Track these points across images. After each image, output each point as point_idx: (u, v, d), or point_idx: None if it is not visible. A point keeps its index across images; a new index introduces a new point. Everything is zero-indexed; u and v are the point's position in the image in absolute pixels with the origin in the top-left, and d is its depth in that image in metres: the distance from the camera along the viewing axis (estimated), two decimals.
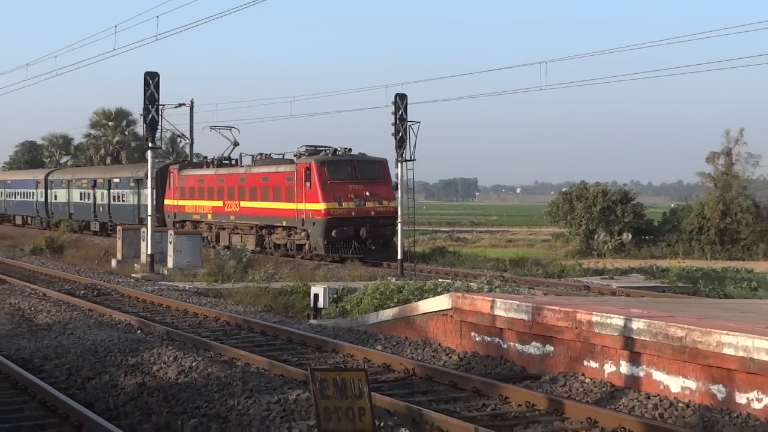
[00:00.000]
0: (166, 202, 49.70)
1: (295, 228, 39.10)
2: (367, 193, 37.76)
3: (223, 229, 44.75)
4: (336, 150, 39.80)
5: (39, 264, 39.16)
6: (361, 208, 37.51)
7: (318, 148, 40.28)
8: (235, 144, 47.98)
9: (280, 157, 43.07)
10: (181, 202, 48.60)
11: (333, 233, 36.65)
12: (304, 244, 38.82)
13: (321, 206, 36.84)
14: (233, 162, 47.39)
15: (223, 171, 46.15)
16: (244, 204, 42.71)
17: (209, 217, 46.14)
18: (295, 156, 40.76)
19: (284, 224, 40.04)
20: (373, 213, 37.70)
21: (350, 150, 40.00)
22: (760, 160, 60.43)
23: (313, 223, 37.37)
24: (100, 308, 23.39)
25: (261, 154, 44.73)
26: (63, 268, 37.33)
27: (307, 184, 37.61)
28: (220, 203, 44.94)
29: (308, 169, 37.84)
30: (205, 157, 50.12)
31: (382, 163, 39.14)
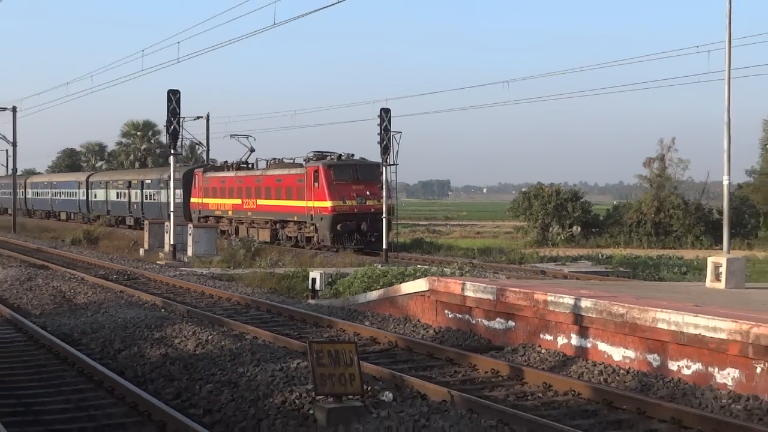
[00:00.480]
0: (192, 200, 49.82)
1: (305, 222, 39.27)
2: (368, 193, 38.00)
3: (242, 223, 44.59)
4: (340, 155, 39.85)
5: (77, 253, 39.09)
6: (362, 206, 37.70)
7: (324, 153, 40.35)
8: (252, 150, 47.95)
9: (291, 161, 43.14)
10: (205, 200, 48.55)
11: (338, 227, 36.85)
12: (313, 237, 38.85)
13: (328, 204, 37.10)
14: (250, 165, 47.28)
15: (241, 173, 45.99)
16: (260, 202, 42.70)
17: (230, 213, 46.04)
18: (304, 160, 40.80)
19: (295, 219, 40.12)
20: (372, 210, 37.61)
21: (353, 155, 40.08)
22: (688, 164, 61.39)
23: (321, 219, 37.60)
24: (129, 290, 23.42)
25: (274, 158, 44.87)
26: (98, 256, 37.34)
27: (316, 184, 37.86)
28: (239, 201, 44.84)
29: (317, 171, 38.13)
30: (225, 161, 50.02)
31: (380, 166, 38.63)
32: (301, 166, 40.82)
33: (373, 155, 38.67)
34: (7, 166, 73.35)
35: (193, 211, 49.23)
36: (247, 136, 48.35)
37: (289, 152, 52.58)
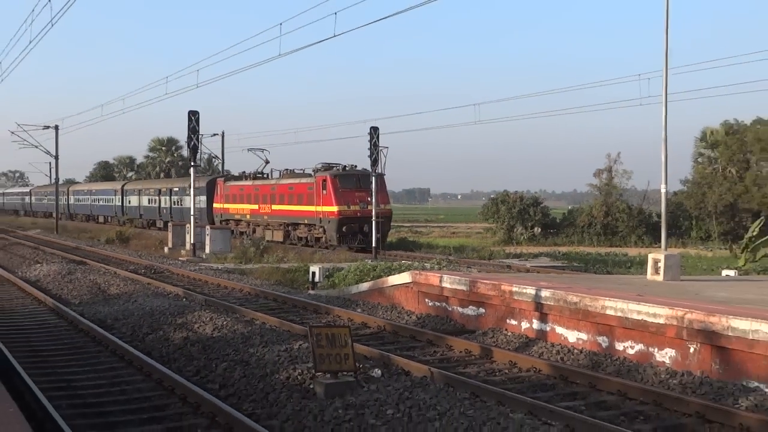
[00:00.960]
0: (215, 205, 49.40)
1: (315, 225, 38.81)
2: (368, 199, 36.94)
3: (258, 225, 44.18)
4: (345, 166, 39.49)
5: (111, 250, 38.96)
6: (364, 210, 36.90)
7: (330, 165, 39.84)
8: (267, 161, 47.55)
9: (301, 171, 42.70)
10: (226, 205, 48.06)
11: (344, 229, 36.61)
12: (321, 237, 38.39)
13: (335, 209, 36.77)
14: (265, 175, 46.72)
15: (257, 182, 45.48)
16: (275, 207, 42.28)
17: (248, 216, 45.57)
18: (313, 171, 40.32)
19: (306, 222, 39.64)
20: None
21: (356, 166, 39.68)
22: (631, 174, 62.08)
23: (329, 222, 37.22)
24: (155, 282, 23.39)
25: (286, 169, 44.47)
26: (129, 253, 37.20)
27: (324, 192, 37.56)
28: (256, 206, 44.38)
29: (324, 180, 37.73)
30: (243, 171, 49.42)
31: (379, 176, 37.99)
32: (310, 176, 40.37)
33: (368, 166, 38.51)
34: (50, 177, 73.01)
35: (215, 215, 48.83)
36: (262, 150, 48.19)
37: (294, 164, 52.78)
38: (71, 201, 77.42)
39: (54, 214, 63.09)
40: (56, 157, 60.49)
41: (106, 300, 20.32)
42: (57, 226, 58.88)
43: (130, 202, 63.40)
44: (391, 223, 42.61)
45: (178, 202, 55.11)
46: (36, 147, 59.06)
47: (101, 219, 68.42)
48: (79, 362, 13.06)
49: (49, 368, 12.63)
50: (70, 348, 14.24)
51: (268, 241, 39.84)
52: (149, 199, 59.60)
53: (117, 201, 65.08)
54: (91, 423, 9.69)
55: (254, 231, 43.97)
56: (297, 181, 41.35)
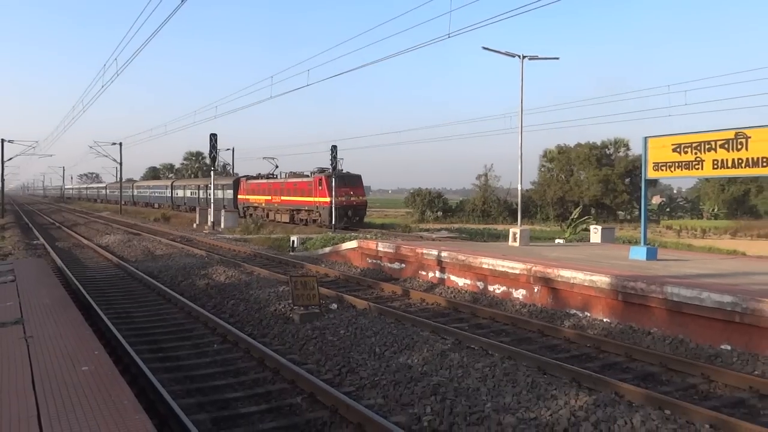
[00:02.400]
0: (239, 197, 46.50)
1: (312, 211, 36.58)
2: (351, 193, 35.41)
3: (271, 211, 41.39)
4: (334, 169, 35.95)
5: (157, 226, 37.91)
6: (348, 201, 35.05)
7: (323, 168, 37.00)
8: (276, 166, 45.16)
9: (301, 172, 40.22)
10: (247, 197, 45.28)
11: (334, 213, 34.42)
12: (317, 219, 35.94)
13: (328, 199, 34.33)
14: (275, 175, 43.79)
15: (270, 181, 42.73)
16: (283, 198, 39.93)
17: (263, 204, 42.94)
18: (311, 173, 38.20)
19: (306, 209, 37.37)
20: (354, 203, 35.57)
21: (342, 169, 36.85)
22: (500, 177, 62.89)
23: (324, 208, 34.95)
24: (187, 247, 22.82)
25: (291, 171, 41.55)
26: (169, 228, 36.26)
27: (320, 187, 35.45)
28: (269, 197, 41.89)
29: (320, 180, 35.60)
30: (259, 173, 46.70)
31: (359, 177, 36.90)
32: (308, 176, 38.37)
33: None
34: (116, 177, 71.05)
35: (239, 203, 46.05)
36: (273, 158, 46.00)
37: (282, 169, 50.64)
38: (135, 193, 74.98)
39: (119, 202, 61.14)
40: (120, 164, 59.88)
41: (153, 259, 19.78)
42: (121, 210, 57.47)
43: (177, 194, 61.85)
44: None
45: (203, 194, 53.83)
46: (106, 156, 58.28)
47: (156, 205, 66.41)
48: (134, 301, 12.66)
49: (115, 305, 12.22)
50: (129, 291, 13.80)
51: (277, 221, 37.94)
52: (191, 192, 58.06)
53: (168, 193, 63.29)
54: (142, 340, 9.40)
55: (267, 215, 41.40)
56: (299, 180, 38.90)
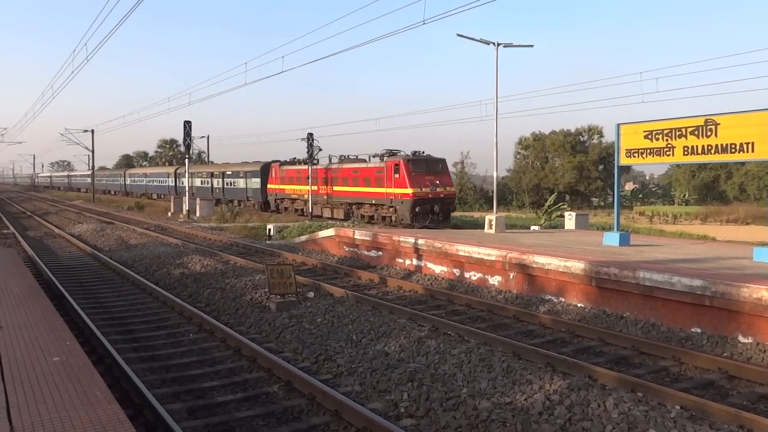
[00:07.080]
0: (269, 186, 37.88)
1: (383, 205, 27.83)
2: (438, 182, 27.05)
3: (316, 204, 32.39)
4: (415, 152, 28.55)
5: (131, 215, 37.34)
6: (434, 192, 26.69)
7: (393, 151, 28.77)
8: (320, 149, 34.61)
9: (355, 157, 31.66)
10: (281, 186, 36.48)
11: (417, 209, 26.01)
12: (391, 216, 27.26)
13: (409, 191, 26.32)
14: (316, 161, 33.79)
15: (316, 167, 33.28)
16: (336, 188, 31.12)
17: (304, 196, 33.36)
18: (378, 157, 29.01)
19: (372, 202, 28.53)
20: (442, 195, 26.98)
21: (423, 152, 28.56)
22: (476, 165, 64.29)
23: (402, 203, 26.51)
24: (161, 236, 22.51)
25: (342, 155, 32.63)
26: (142, 216, 35.73)
27: (397, 175, 26.84)
28: (315, 187, 32.62)
29: (397, 165, 26.82)
30: (294, 157, 37.46)
31: (443, 161, 28.37)
32: (369, 161, 29.88)
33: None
34: (88, 164, 68.84)
35: (269, 194, 37.85)
36: (313, 138, 35.21)
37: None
38: (128, 182, 68.02)
39: (90, 190, 59.45)
40: (92, 152, 58.80)
41: (127, 248, 19.45)
42: (93, 198, 56.55)
43: (182, 183, 56.65)
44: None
45: (231, 183, 45.96)
46: (78, 144, 56.76)
47: (155, 196, 59.66)
48: (109, 290, 12.46)
49: (89, 294, 12.00)
50: (103, 280, 13.58)
51: (327, 218, 30.62)
52: (201, 181, 50.41)
53: (171, 182, 56.28)
54: (117, 330, 9.25)
55: (312, 209, 32.68)
56: (363, 165, 29.94)
